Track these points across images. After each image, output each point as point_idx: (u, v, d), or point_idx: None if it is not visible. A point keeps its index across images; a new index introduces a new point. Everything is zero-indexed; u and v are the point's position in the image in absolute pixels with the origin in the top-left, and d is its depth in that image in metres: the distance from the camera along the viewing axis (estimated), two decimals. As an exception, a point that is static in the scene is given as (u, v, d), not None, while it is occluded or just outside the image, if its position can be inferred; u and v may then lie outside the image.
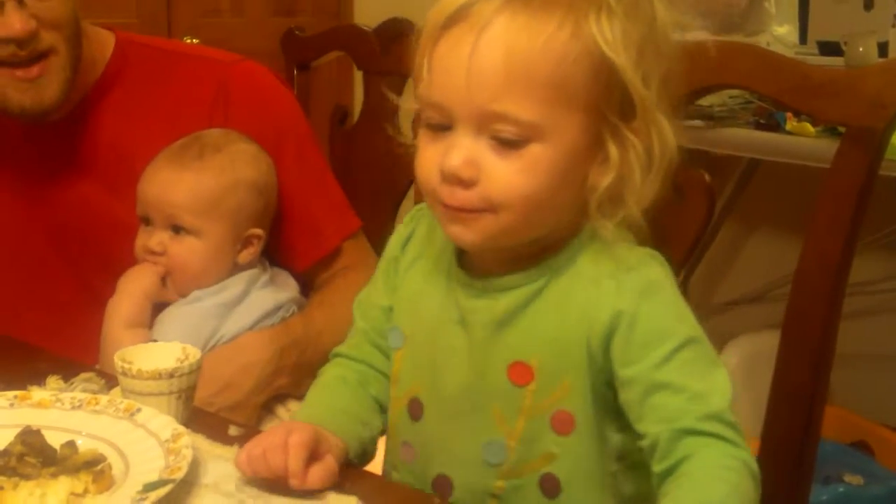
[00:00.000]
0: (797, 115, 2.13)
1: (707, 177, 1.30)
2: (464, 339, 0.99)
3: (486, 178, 0.91)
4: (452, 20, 0.92)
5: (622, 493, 0.97)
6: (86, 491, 0.95)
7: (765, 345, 2.09)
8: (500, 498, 0.98)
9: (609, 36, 0.91)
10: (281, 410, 1.35)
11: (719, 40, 1.32)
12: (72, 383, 1.16)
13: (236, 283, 1.34)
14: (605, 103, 0.92)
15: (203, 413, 1.14)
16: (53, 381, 1.16)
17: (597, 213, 0.94)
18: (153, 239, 1.33)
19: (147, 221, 1.35)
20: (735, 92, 2.25)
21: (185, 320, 1.31)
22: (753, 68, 1.23)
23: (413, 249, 1.06)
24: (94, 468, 0.97)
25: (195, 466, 0.98)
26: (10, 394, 1.10)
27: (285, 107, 1.50)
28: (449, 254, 1.02)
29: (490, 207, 0.92)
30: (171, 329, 1.29)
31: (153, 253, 1.33)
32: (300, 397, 1.26)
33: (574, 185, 0.93)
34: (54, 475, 0.96)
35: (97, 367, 1.28)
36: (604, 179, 0.93)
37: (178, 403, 1.08)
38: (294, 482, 0.94)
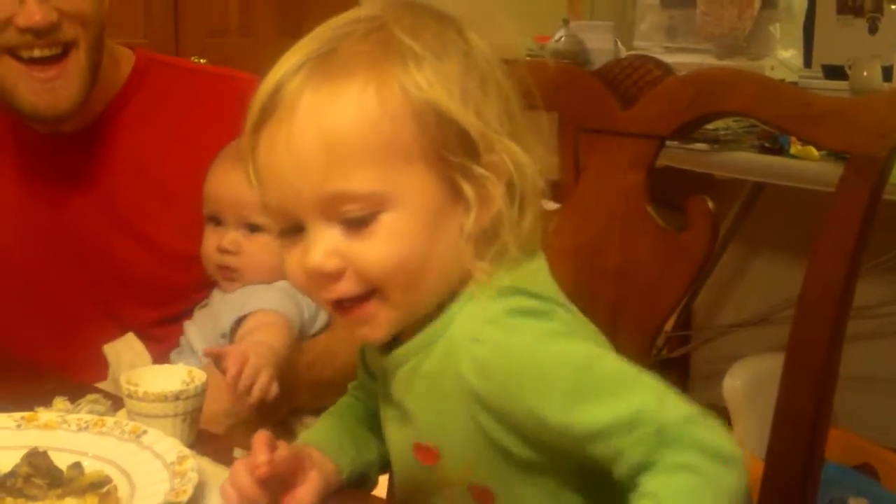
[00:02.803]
0: (801, 139, 2.14)
1: (710, 203, 1.31)
2: (386, 413, 0.99)
3: (352, 262, 0.88)
4: (264, 116, 0.89)
5: None
6: (92, 512, 0.96)
7: (769, 367, 2.10)
8: None
9: (422, 81, 0.87)
10: (297, 426, 1.35)
11: (722, 67, 1.34)
12: (78, 405, 1.17)
13: None
14: (444, 147, 0.88)
15: (207, 435, 1.15)
16: (60, 403, 1.17)
17: (472, 259, 0.90)
18: (226, 238, 1.35)
19: (217, 222, 1.36)
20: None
21: (281, 288, 1.32)
22: (755, 95, 1.24)
23: None
24: (100, 490, 0.97)
25: (201, 490, 0.99)
26: (18, 415, 1.11)
27: None
28: None
29: (370, 289, 0.89)
30: (269, 295, 1.31)
31: (227, 252, 1.35)
32: (317, 412, 1.27)
33: (447, 238, 0.89)
34: (60, 496, 0.97)
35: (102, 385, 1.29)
36: (468, 222, 0.89)
37: (183, 426, 1.09)
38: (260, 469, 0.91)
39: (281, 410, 1.33)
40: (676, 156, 2.24)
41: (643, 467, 0.80)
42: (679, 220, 1.37)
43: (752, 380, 2.25)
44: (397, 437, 0.98)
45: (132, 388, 1.09)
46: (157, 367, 1.17)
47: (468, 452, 0.91)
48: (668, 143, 1.36)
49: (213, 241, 1.37)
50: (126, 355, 1.38)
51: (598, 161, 1.44)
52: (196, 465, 1.00)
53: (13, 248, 1.49)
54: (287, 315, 1.31)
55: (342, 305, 0.90)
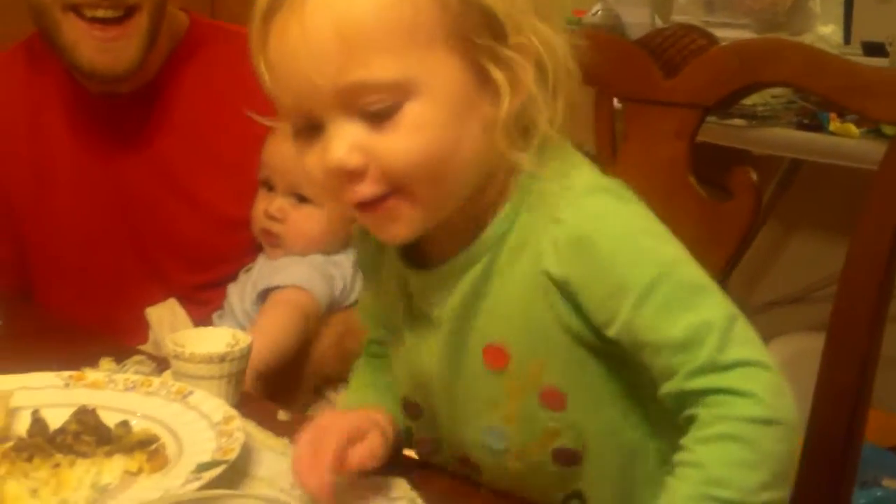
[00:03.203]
0: (841, 116, 2.12)
1: (754, 175, 1.30)
2: (431, 333, 0.94)
3: (376, 158, 0.84)
4: (274, 5, 0.85)
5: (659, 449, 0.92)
6: (140, 470, 0.97)
7: (805, 346, 2.09)
8: (521, 477, 0.94)
9: None
10: (331, 394, 1.37)
11: (767, 37, 1.33)
12: (124, 365, 1.18)
13: (346, 262, 1.38)
14: (468, 28, 0.83)
15: (250, 398, 1.16)
16: (106, 363, 1.19)
17: (510, 149, 0.85)
18: (274, 204, 1.38)
19: (269, 187, 1.39)
20: (778, 91, 2.24)
21: (313, 264, 1.35)
22: (801, 65, 1.23)
23: (372, 248, 1.00)
24: (148, 448, 0.99)
25: (247, 450, 1.00)
26: (66, 374, 1.12)
27: None
28: (392, 250, 0.96)
29: (396, 188, 0.84)
30: (298, 271, 1.33)
31: (273, 218, 1.37)
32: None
33: (474, 127, 0.85)
34: (109, 454, 0.98)
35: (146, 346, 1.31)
36: (500, 110, 0.84)
37: (228, 387, 1.10)
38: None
39: (309, 381, 1.34)
40: (713, 131, 2.23)
41: (687, 397, 0.81)
42: (715, 197, 1.37)
43: (787, 359, 2.23)
44: (451, 352, 0.93)
45: (179, 350, 1.11)
46: (202, 329, 1.18)
47: (540, 347, 0.88)
48: (705, 118, 1.35)
49: (262, 205, 1.40)
50: (167, 319, 1.40)
51: (640, 131, 1.43)
52: (242, 425, 1.01)
53: (64, 206, 1.50)
54: (312, 291, 1.33)
55: (366, 205, 0.86)
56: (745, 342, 0.82)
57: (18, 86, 1.52)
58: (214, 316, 1.41)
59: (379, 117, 0.83)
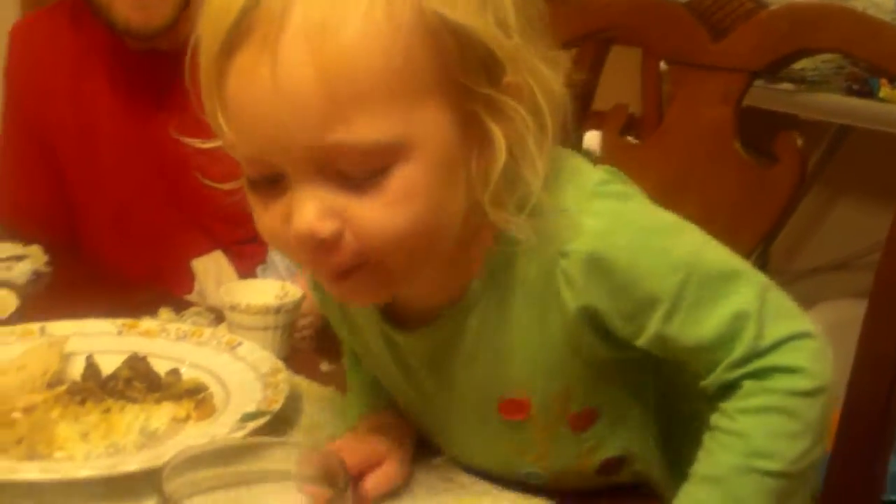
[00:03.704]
0: (892, 82, 2.10)
1: (800, 140, 1.30)
2: (435, 393, 0.88)
3: (353, 226, 0.72)
4: (238, 36, 0.70)
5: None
6: (188, 417, 1.00)
7: (848, 313, 2.08)
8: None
9: None
10: None
11: (816, 1, 1.32)
12: (182, 316, 1.21)
13: None
14: (464, 73, 0.72)
15: (297, 350, 1.19)
16: (165, 313, 1.22)
17: (492, 208, 0.75)
18: None
19: None
20: (828, 56, 2.22)
21: None
22: (851, 31, 1.22)
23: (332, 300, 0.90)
24: (196, 396, 1.01)
25: (291, 401, 1.02)
26: (119, 321, 1.15)
27: None
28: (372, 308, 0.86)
29: (369, 258, 0.73)
30: None
31: None
32: None
33: (460, 185, 0.75)
34: (158, 400, 1.01)
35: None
36: (495, 165, 0.73)
37: (281, 338, 1.13)
38: None
39: None
40: (760, 95, 2.21)
41: (730, 386, 0.80)
42: (760, 162, 1.37)
43: (830, 325, 2.22)
44: (463, 412, 0.88)
45: (234, 301, 1.13)
46: (252, 281, 1.21)
47: (561, 383, 0.83)
48: (757, 82, 1.34)
49: None
50: (213, 271, 1.42)
51: (686, 94, 1.43)
52: (288, 377, 1.03)
53: (107, 162, 1.53)
54: None
55: (332, 272, 0.75)
56: (781, 316, 0.79)
57: (62, 42, 1.54)
58: (258, 269, 1.43)
59: (360, 183, 0.71)
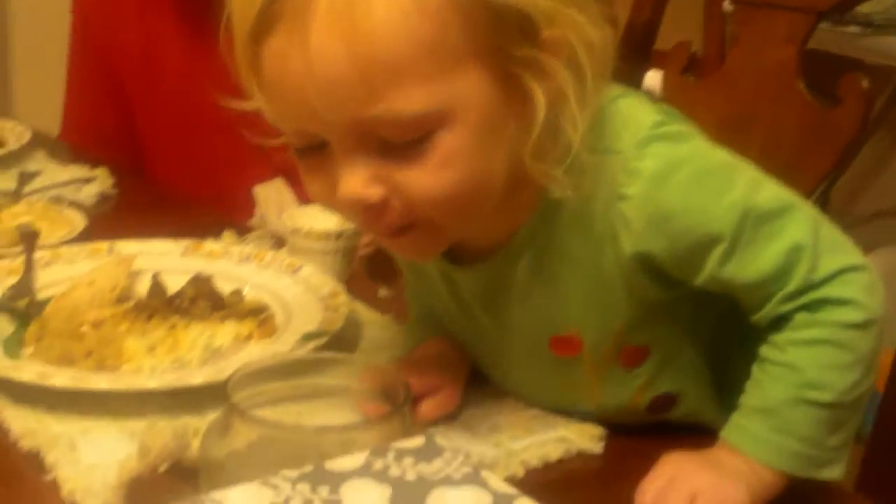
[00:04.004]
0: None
1: (865, 81, 1.29)
2: (490, 329, 0.90)
3: (399, 191, 0.74)
4: (267, 22, 0.72)
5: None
6: (250, 335, 1.02)
7: (905, 258, 2.07)
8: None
9: None
10: None
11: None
12: (244, 239, 1.24)
13: None
14: (499, 37, 0.72)
15: (356, 276, 1.21)
16: (229, 235, 1.25)
17: (533, 162, 0.76)
18: None
19: None
20: (897, 0, 2.18)
21: None
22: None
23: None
24: (258, 316, 1.04)
25: (351, 328, 1.04)
26: (184, 242, 1.18)
27: None
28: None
29: (419, 220, 0.75)
30: None
31: None
32: None
33: (504, 145, 0.76)
34: (222, 319, 1.03)
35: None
36: (535, 121, 0.74)
37: (342, 262, 1.15)
38: None
39: None
40: (826, 38, 2.18)
41: (782, 318, 0.81)
42: (824, 103, 1.36)
43: (886, 271, 2.21)
44: (516, 347, 0.90)
45: (297, 226, 1.16)
46: (314, 207, 1.22)
47: (615, 322, 0.85)
48: (822, 24, 1.33)
49: None
50: (274, 198, 1.44)
51: (751, 34, 1.42)
52: (347, 300, 1.06)
53: (170, 88, 1.56)
54: None
55: (383, 232, 0.78)
56: (834, 249, 0.80)
57: None
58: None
59: (404, 149, 0.72)
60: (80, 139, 1.66)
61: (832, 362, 0.80)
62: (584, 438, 0.87)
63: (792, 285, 0.79)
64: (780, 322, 0.81)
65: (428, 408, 0.89)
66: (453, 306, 0.91)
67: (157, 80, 1.57)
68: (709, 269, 0.80)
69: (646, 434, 0.89)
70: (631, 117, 0.81)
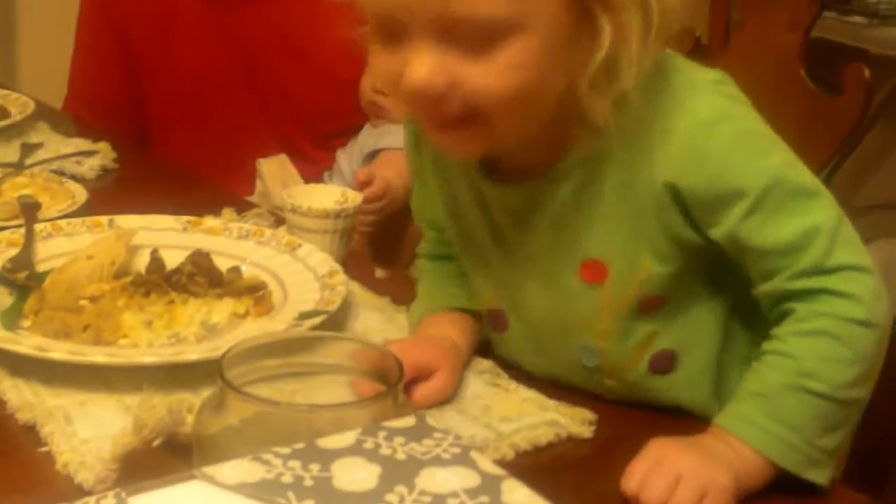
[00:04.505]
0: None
1: (867, 72, 1.29)
2: (518, 247, 0.92)
3: (462, 86, 0.79)
4: None
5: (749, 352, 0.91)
6: (247, 313, 1.03)
7: (903, 250, 2.07)
8: (616, 392, 0.93)
9: None
10: None
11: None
12: (244, 216, 1.24)
13: None
14: None
15: (354, 257, 1.21)
16: (228, 213, 1.25)
17: (589, 93, 0.81)
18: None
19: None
20: (903, -11, 2.18)
21: None
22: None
23: (428, 150, 0.97)
24: (255, 293, 1.05)
25: (347, 309, 1.05)
26: (184, 218, 1.18)
27: None
28: (472, 164, 0.93)
29: (474, 115, 0.81)
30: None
31: (379, 92, 1.42)
32: None
33: (563, 67, 0.81)
34: (219, 296, 1.04)
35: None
36: (597, 54, 0.79)
37: (340, 242, 1.16)
38: None
39: (411, 243, 1.39)
40: (830, 27, 2.18)
41: (785, 297, 0.82)
42: (826, 92, 1.36)
43: (884, 263, 2.22)
44: (542, 268, 0.92)
45: (296, 203, 1.16)
46: (313, 185, 1.24)
47: (643, 258, 0.87)
48: (823, 13, 1.33)
49: (369, 81, 1.44)
50: (278, 173, 1.45)
51: (755, 20, 1.42)
52: (345, 279, 1.06)
53: (184, 52, 1.56)
54: None
55: (437, 123, 0.83)
56: (850, 246, 0.82)
57: None
58: (325, 175, 1.46)
59: (477, 46, 0.78)
60: (85, 106, 1.66)
61: (830, 354, 0.81)
62: (575, 423, 0.88)
63: (803, 263, 0.81)
64: (782, 315, 0.83)
65: (420, 394, 0.90)
66: (481, 226, 0.94)
67: (170, 43, 1.57)
68: (729, 223, 0.83)
69: (635, 420, 0.90)
70: (690, 69, 0.87)
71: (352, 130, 1.47)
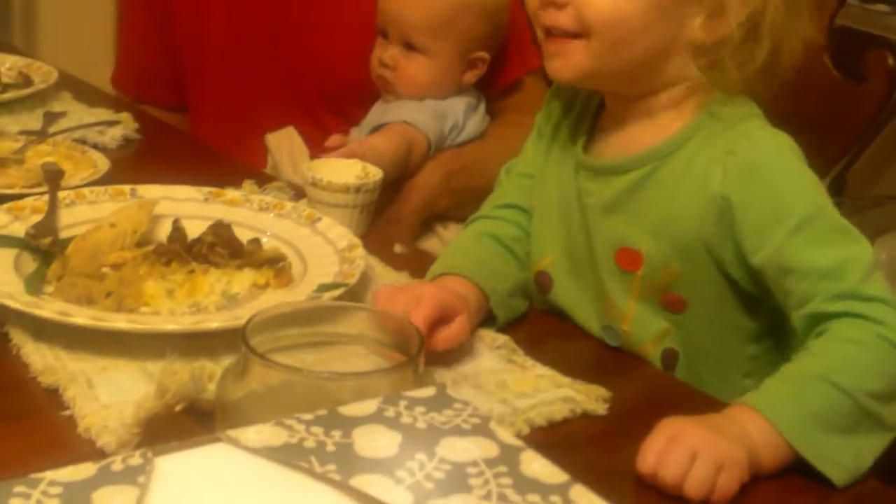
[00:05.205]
0: None
1: (891, 59, 1.29)
2: (579, 219, 1.02)
3: (578, 1, 0.93)
4: None
5: (768, 374, 0.93)
6: (267, 284, 1.04)
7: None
8: None
9: None
10: (440, 229, 1.42)
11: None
12: (265, 189, 1.25)
13: (457, 105, 1.43)
14: None
15: (370, 231, 1.22)
16: (248, 185, 1.26)
17: (689, 61, 0.95)
18: (387, 53, 1.43)
19: (384, 35, 1.44)
20: (929, -21, 2.17)
21: (423, 104, 1.41)
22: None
23: (552, 123, 1.08)
24: (276, 265, 1.05)
25: (366, 283, 1.06)
26: (206, 189, 1.19)
27: None
28: (582, 133, 1.04)
29: (582, 30, 0.94)
30: (408, 109, 1.39)
31: (385, 66, 1.43)
32: (461, 219, 1.33)
33: (669, 26, 0.94)
34: (240, 266, 1.05)
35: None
36: (694, 24, 0.93)
37: (359, 217, 1.17)
38: None
39: (419, 216, 1.39)
40: (854, 15, 2.17)
41: (822, 319, 0.86)
42: (849, 79, 1.36)
43: (893, 255, 2.21)
44: (590, 242, 1.01)
45: (316, 178, 1.17)
46: (336, 159, 1.24)
47: (678, 260, 0.96)
48: (847, 1, 1.33)
49: (377, 53, 1.45)
50: (286, 145, 1.45)
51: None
52: (364, 254, 1.07)
53: (219, 26, 1.56)
54: (417, 124, 1.38)
55: (551, 32, 0.96)
56: (883, 284, 0.87)
57: None
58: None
59: None
60: (130, 79, 1.67)
61: (859, 358, 0.84)
62: (590, 400, 0.89)
63: (843, 286, 0.86)
64: (820, 332, 0.86)
65: (443, 336, 0.93)
66: (564, 198, 1.03)
67: (203, 17, 1.58)
68: (774, 242, 0.89)
69: (649, 398, 0.91)
70: (763, 119, 0.97)
71: (368, 101, 1.47)
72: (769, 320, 0.97)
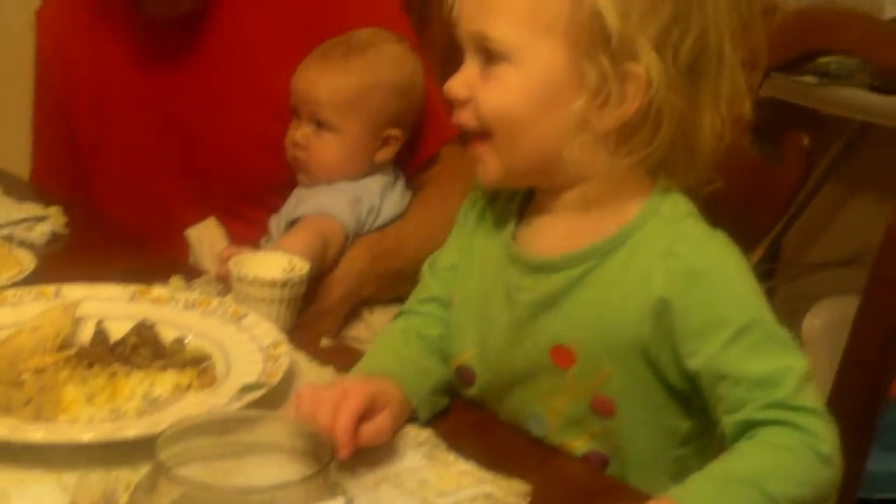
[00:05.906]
0: (912, 80, 2.10)
1: (806, 140, 1.31)
2: (507, 314, 1.00)
3: (475, 98, 0.96)
4: None
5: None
6: (189, 385, 1.03)
7: (850, 309, 2.09)
8: None
9: None
10: (366, 314, 1.40)
11: (834, 5, 1.33)
12: (192, 284, 1.25)
13: (372, 186, 1.42)
14: (588, 38, 0.91)
15: (297, 325, 1.21)
16: (176, 281, 1.25)
17: (611, 154, 0.94)
18: (299, 132, 1.42)
19: (297, 114, 1.43)
20: (852, 51, 2.22)
21: (337, 190, 1.39)
22: (865, 36, 1.24)
23: (476, 214, 1.07)
24: (199, 366, 1.05)
25: (291, 380, 1.05)
26: (131, 288, 1.19)
27: (394, 5, 1.56)
28: (510, 222, 1.02)
29: (483, 128, 0.96)
30: (320, 199, 1.37)
31: (297, 145, 1.42)
32: (387, 302, 1.33)
33: (558, 114, 0.93)
34: (163, 368, 1.04)
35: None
36: (595, 116, 0.93)
37: (286, 311, 1.17)
38: (341, 452, 0.87)
39: (346, 303, 1.39)
40: (782, 87, 2.21)
41: (753, 426, 0.87)
42: (770, 156, 1.38)
43: (832, 320, 2.24)
44: (522, 339, 1.00)
45: (242, 272, 1.17)
46: (260, 253, 1.24)
47: (611, 361, 0.95)
48: (775, 73, 1.36)
49: (290, 133, 1.43)
50: (206, 238, 1.44)
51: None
52: (289, 350, 1.07)
53: (120, 124, 1.56)
54: (333, 215, 1.36)
55: (464, 136, 1.00)
56: (817, 398, 0.89)
57: (82, 5, 1.58)
58: (262, 241, 1.45)
59: (488, 64, 0.95)
60: (44, 181, 1.67)
61: (786, 466, 0.85)
62: (510, 495, 0.89)
63: (775, 396, 0.87)
64: (751, 436, 0.87)
65: (367, 431, 0.92)
66: (492, 291, 1.02)
67: (106, 116, 1.57)
68: (710, 350, 0.90)
69: (571, 492, 0.91)
70: (697, 218, 0.97)
71: (286, 187, 1.46)
72: (699, 422, 0.97)
